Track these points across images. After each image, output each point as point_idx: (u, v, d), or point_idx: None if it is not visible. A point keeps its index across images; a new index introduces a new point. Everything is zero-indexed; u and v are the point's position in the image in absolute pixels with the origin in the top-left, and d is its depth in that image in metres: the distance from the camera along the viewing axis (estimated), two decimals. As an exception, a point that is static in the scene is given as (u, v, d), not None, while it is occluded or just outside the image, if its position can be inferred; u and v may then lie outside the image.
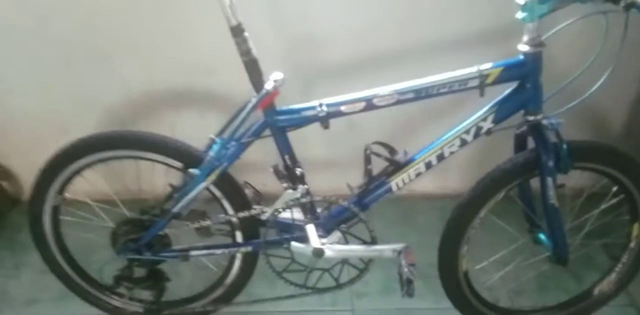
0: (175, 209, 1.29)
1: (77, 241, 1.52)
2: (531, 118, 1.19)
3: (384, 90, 1.18)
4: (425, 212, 1.98)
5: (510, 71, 1.14)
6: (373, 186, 1.29)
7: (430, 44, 1.66)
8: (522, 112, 1.20)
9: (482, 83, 1.14)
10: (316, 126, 1.21)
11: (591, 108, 1.84)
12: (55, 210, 1.41)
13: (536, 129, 1.20)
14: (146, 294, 1.47)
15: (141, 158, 1.30)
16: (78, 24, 1.61)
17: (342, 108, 1.19)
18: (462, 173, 1.92)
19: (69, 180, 1.36)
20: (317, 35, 1.65)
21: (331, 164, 1.91)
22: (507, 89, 1.19)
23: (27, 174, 1.95)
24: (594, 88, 1.17)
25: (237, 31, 1.11)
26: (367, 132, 1.63)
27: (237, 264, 1.44)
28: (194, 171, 1.24)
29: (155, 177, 1.35)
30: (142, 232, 1.35)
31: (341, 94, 1.20)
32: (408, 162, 1.27)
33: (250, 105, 1.18)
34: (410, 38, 1.66)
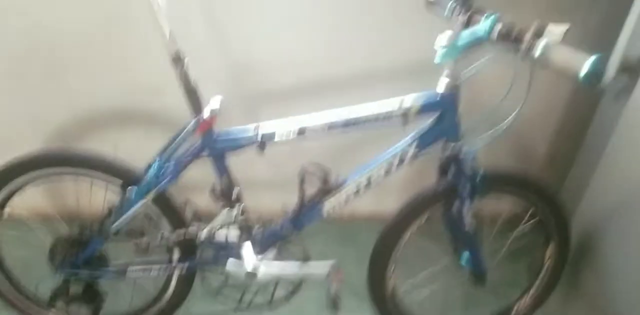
0: (114, 227, 1.33)
1: (16, 258, 1.53)
2: (450, 146, 1.29)
3: (315, 121, 1.25)
4: (365, 231, 2.04)
5: (431, 104, 1.24)
6: (306, 208, 1.37)
7: (365, 73, 1.77)
8: (443, 141, 1.30)
9: (405, 115, 1.24)
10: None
11: (519, 137, 1.97)
12: (-6, 227, 1.42)
13: (454, 157, 1.30)
14: (84, 311, 1.49)
15: (82, 175, 1.34)
16: (30, 42, 1.64)
17: (276, 136, 1.26)
18: (400, 195, 2.01)
19: (9, 196, 1.38)
20: (261, 63, 1.73)
21: (274, 185, 1.98)
22: (429, 119, 1.29)
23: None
24: (505, 122, 1.26)
25: (176, 60, 1.18)
26: (309, 154, 1.70)
27: (174, 280, 1.48)
28: (132, 188, 1.29)
29: (94, 195, 1.38)
30: (80, 249, 1.38)
31: (283, 115, 1.27)
32: (339, 186, 1.35)
33: (187, 129, 1.24)
34: (348, 67, 1.77)
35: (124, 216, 1.32)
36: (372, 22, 1.67)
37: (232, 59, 1.72)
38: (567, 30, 0.95)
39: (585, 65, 0.89)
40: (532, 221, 1.48)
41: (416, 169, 1.74)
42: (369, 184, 1.34)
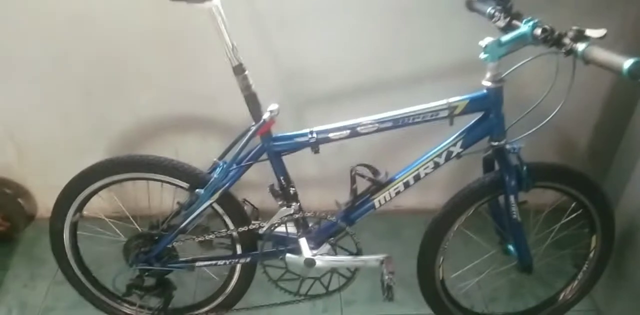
0: (183, 225, 1.45)
1: (93, 255, 1.68)
2: (495, 143, 1.35)
3: (366, 119, 1.34)
4: (409, 226, 2.13)
5: (475, 103, 1.31)
6: (358, 203, 1.45)
7: (410, 75, 1.83)
8: (487, 138, 1.37)
9: (451, 114, 1.31)
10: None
11: (560, 131, 2.00)
12: (74, 227, 1.57)
13: (500, 153, 1.37)
14: (154, 303, 1.63)
15: (153, 179, 1.46)
16: (95, 59, 1.76)
17: (330, 135, 1.35)
18: (443, 189, 2.07)
19: (87, 199, 1.52)
20: (309, 69, 1.81)
21: (323, 182, 2.07)
22: (474, 118, 1.35)
23: (42, 193, 2.13)
24: (547, 119, 1.31)
25: (238, 70, 1.28)
26: (355, 154, 1.79)
27: (236, 273, 1.60)
28: (199, 191, 1.41)
29: (164, 195, 1.51)
30: (152, 245, 1.51)
31: (331, 121, 1.36)
32: (389, 182, 1.43)
33: (249, 133, 1.35)
34: (393, 70, 1.83)
35: (191, 215, 1.43)
36: (415, 25, 1.72)
37: (283, 69, 1.79)
38: (605, 34, 1.01)
39: (626, 64, 0.94)
40: (576, 212, 1.54)
41: (458, 166, 1.82)
42: (416, 180, 1.42)
